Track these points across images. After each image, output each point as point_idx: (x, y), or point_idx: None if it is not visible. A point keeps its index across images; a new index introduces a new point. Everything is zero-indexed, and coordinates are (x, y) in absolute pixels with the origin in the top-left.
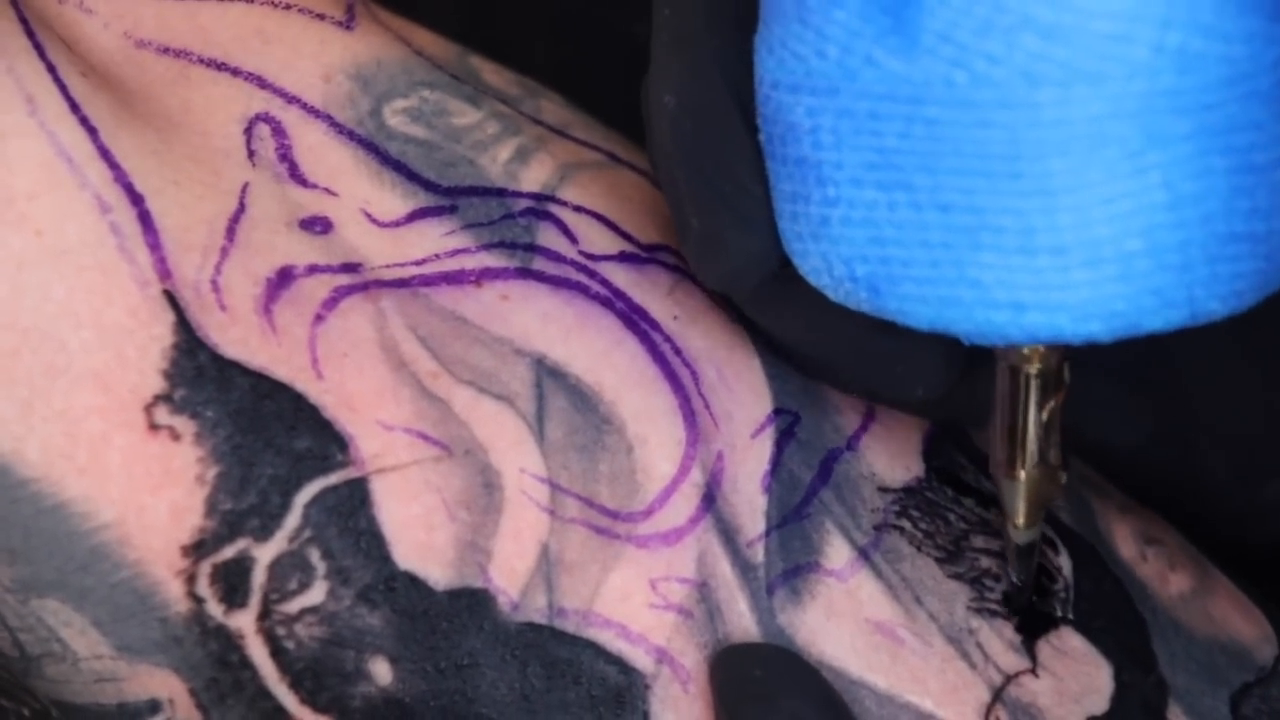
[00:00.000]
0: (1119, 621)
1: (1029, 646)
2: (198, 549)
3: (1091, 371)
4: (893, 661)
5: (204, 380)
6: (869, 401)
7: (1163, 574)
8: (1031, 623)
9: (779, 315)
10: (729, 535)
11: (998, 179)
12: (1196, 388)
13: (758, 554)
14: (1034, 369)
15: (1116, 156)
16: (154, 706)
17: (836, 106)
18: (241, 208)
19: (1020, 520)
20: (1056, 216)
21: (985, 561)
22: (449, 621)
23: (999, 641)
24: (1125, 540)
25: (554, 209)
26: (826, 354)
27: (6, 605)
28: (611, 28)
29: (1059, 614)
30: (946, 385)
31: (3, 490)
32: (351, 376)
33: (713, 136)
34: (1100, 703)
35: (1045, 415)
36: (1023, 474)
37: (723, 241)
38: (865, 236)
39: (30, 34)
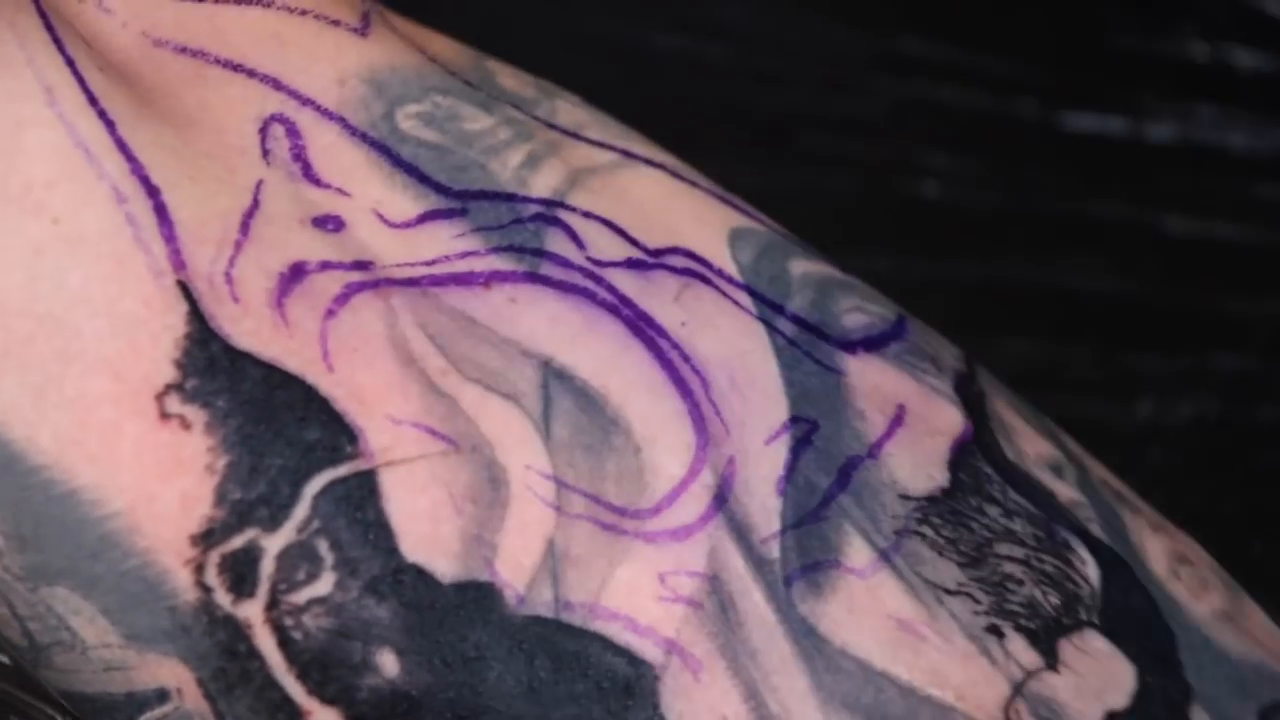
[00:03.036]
0: (1145, 631)
1: (1050, 645)
2: (206, 538)
3: None
4: (915, 656)
5: (216, 370)
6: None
7: (1194, 592)
8: (1054, 625)
9: None
10: (741, 533)
11: None
12: None
13: (772, 550)
14: None
15: None
16: (162, 695)
17: None
18: (256, 204)
19: None
20: None
21: (1008, 567)
22: (455, 614)
23: (1020, 640)
24: (1157, 557)
25: (563, 215)
26: None
27: (16, 594)
28: (628, 39)
29: (1084, 618)
30: None
31: (15, 477)
32: (361, 370)
33: None
34: (1121, 698)
35: None
36: None
37: None
38: None
39: (49, 28)
